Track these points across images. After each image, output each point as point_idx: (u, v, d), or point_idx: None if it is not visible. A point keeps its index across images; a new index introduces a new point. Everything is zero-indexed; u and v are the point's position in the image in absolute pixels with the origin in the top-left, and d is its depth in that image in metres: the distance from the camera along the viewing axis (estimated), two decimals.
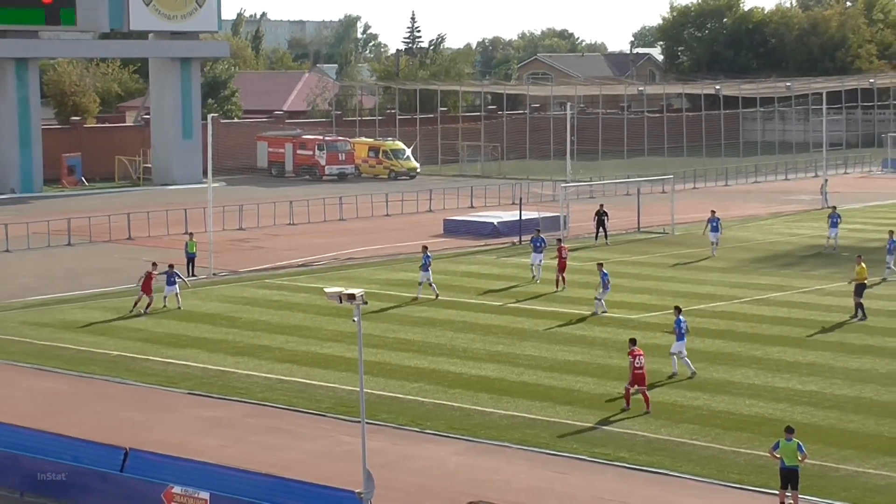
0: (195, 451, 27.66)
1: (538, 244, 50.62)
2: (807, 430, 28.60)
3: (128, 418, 31.65)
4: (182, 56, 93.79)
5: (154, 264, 46.32)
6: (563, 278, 48.38)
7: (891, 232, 51.27)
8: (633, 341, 32.43)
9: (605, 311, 43.48)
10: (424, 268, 46.41)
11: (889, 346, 38.47)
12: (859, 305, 42.61)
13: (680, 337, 35.20)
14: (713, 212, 58.30)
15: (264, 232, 66.67)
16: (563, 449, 28.88)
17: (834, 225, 58.23)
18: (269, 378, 35.62)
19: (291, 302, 46.84)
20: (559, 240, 51.84)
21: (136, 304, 45.09)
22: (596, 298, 43.99)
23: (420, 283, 46.57)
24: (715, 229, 56.86)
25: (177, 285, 45.74)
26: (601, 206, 62.74)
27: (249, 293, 48.81)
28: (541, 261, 50.33)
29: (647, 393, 31.75)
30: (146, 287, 45.01)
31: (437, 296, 46.18)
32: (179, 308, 45.32)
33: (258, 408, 32.84)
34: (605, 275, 43.79)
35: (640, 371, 31.63)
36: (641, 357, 31.77)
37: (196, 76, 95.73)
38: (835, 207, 61.45)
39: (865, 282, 43.26)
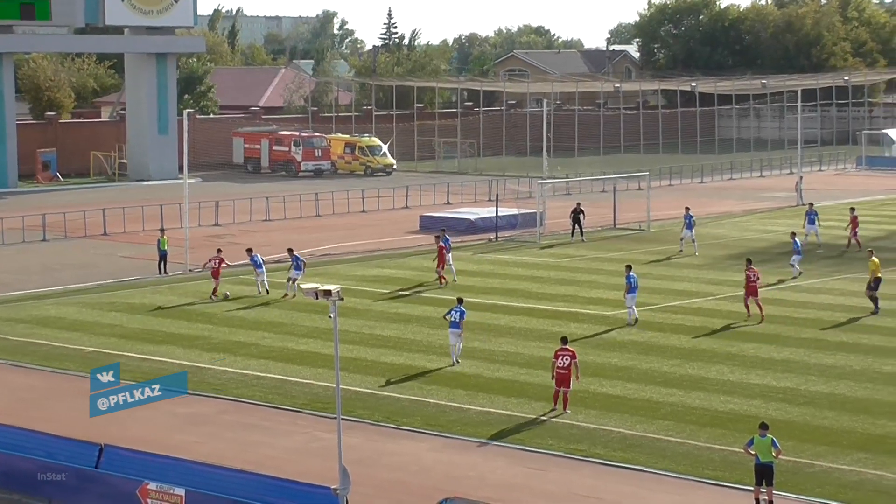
0: (171, 447, 27.61)
1: (447, 243, 49.92)
2: (781, 427, 28.72)
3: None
4: (158, 51, 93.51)
5: (219, 250, 47.85)
6: (443, 277, 48.48)
7: (793, 234, 51.77)
8: (563, 340, 32.28)
9: (634, 321, 41.18)
10: (297, 268, 46.29)
11: (863, 342, 38.67)
12: (874, 298, 42.97)
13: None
14: (687, 208, 58.46)
15: (240, 228, 66.55)
16: (539, 445, 28.93)
17: (811, 222, 58.50)
18: (244, 374, 35.57)
19: (267, 298, 46.76)
20: (437, 237, 50.73)
21: (214, 292, 46.40)
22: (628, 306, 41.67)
23: (291, 280, 46.00)
24: (689, 226, 56.89)
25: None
26: (578, 203, 62.85)
27: (225, 289, 48.64)
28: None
29: (567, 395, 31.49)
30: (216, 273, 46.58)
31: (294, 295, 45.79)
32: (266, 293, 46.63)
33: (234, 404, 32.79)
34: (630, 278, 41.30)
35: (562, 371, 31.39)
36: (566, 357, 31.44)
37: (172, 71, 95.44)
38: (811, 204, 61.66)
39: (881, 276, 43.37)
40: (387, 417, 31.18)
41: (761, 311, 41.73)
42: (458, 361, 36.28)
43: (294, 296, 45.92)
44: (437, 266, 48.90)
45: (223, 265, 47.33)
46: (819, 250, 56.91)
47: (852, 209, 60.06)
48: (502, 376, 35.07)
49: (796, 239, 50.89)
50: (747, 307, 42.07)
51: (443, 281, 48.58)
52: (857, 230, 57.92)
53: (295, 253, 47.63)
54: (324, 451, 27.75)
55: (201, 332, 40.98)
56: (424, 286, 48.52)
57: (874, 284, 43.36)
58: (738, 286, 47.95)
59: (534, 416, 31.12)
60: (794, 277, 49.74)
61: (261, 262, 47.25)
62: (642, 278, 48.66)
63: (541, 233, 61.84)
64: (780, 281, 49.38)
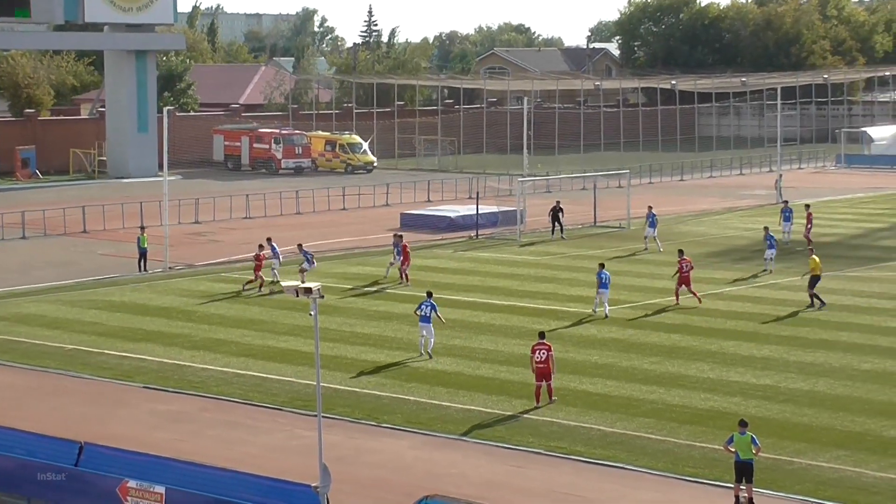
0: (150, 445, 27.53)
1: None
2: (761, 424, 28.80)
3: (83, 412, 31.49)
4: (137, 48, 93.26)
5: (261, 246, 48.50)
6: (407, 275, 48.60)
7: (766, 228, 52.36)
8: (541, 335, 32.58)
9: (595, 312, 42.39)
10: (309, 262, 47.76)
11: (842, 340, 38.81)
12: (814, 296, 43.45)
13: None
14: (650, 207, 58.81)
15: (220, 225, 66.45)
16: (520, 443, 28.96)
17: (787, 219, 58.96)
18: (225, 372, 35.53)
19: (248, 296, 46.71)
20: (400, 236, 51.08)
21: (259, 285, 47.46)
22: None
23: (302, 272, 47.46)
24: (652, 224, 57.33)
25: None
26: (557, 202, 62.95)
27: (205, 287, 48.64)
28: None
29: (551, 386, 31.85)
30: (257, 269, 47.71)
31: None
32: (277, 282, 47.19)
33: (214, 402, 32.75)
34: (601, 275, 42.22)
35: (541, 365, 31.62)
36: (543, 351, 31.66)
37: (151, 69, 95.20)
38: (787, 202, 61.96)
39: (819, 274, 43.81)
40: (367, 415, 31.18)
41: (696, 296, 44.09)
42: (430, 356, 36.61)
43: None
44: (403, 265, 48.86)
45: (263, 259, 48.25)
46: (798, 248, 57.08)
47: (807, 206, 60.55)
48: (483, 374, 35.10)
49: (770, 234, 51.28)
50: (677, 295, 44.10)
51: (408, 279, 48.59)
52: (811, 227, 58.26)
53: (304, 248, 48.77)
54: (304, 449, 27.73)
55: (181, 330, 40.90)
56: (403, 283, 48.45)
57: (812, 282, 43.59)
58: (719, 284, 48.20)
59: (514, 414, 31.16)
60: (768, 272, 50.04)
61: (279, 253, 48.69)
62: (622, 276, 48.83)
63: (521, 230, 61.90)
64: (754, 276, 49.65)
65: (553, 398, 31.76)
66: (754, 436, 25.03)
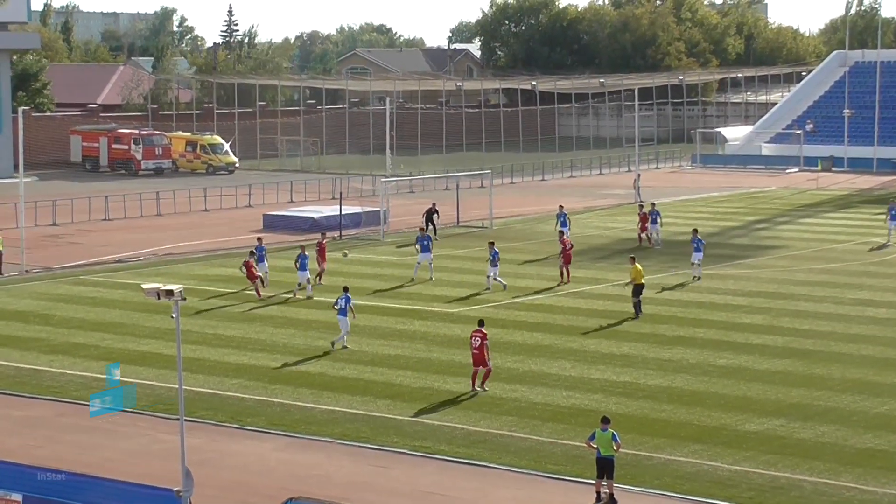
0: (6, 451, 27.00)
1: (425, 242, 50.14)
2: (621, 420, 29.27)
3: None
4: None
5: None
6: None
7: (695, 230, 52.17)
8: (480, 323, 33.89)
9: (505, 285, 46.82)
10: (261, 259, 47.60)
11: (699, 336, 39.62)
12: (637, 305, 42.46)
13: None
14: (561, 206, 59.01)
15: (79, 228, 65.31)
16: (384, 443, 29.02)
17: (654, 221, 59.31)
18: (84, 376, 34.95)
19: (108, 299, 46.02)
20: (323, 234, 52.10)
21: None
22: (487, 276, 47.10)
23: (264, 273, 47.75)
24: (564, 224, 57.07)
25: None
26: (433, 204, 63.00)
27: (64, 290, 47.78)
28: (430, 260, 49.90)
29: (487, 374, 33.18)
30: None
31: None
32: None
33: (72, 406, 32.19)
34: (496, 253, 46.96)
35: (475, 351, 32.95)
36: (476, 338, 32.95)
37: (5, 68, 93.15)
38: (654, 204, 62.50)
39: (643, 282, 42.87)
40: (231, 418, 30.96)
41: (567, 276, 48.80)
42: (345, 346, 37.99)
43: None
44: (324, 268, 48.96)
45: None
46: (657, 247, 58.11)
47: (641, 206, 61.44)
48: (346, 375, 35.09)
49: (698, 236, 50.79)
50: (562, 274, 48.73)
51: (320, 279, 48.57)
52: (646, 226, 58.81)
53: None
54: (166, 453, 27.43)
55: (39, 334, 40.12)
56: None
57: (637, 290, 42.61)
58: (579, 283, 48.82)
59: (378, 414, 31.20)
60: (696, 279, 49.39)
61: (264, 255, 47.84)
62: (484, 276, 49.37)
63: (384, 231, 61.98)
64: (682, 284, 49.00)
65: (485, 387, 32.90)
66: (615, 432, 25.43)
